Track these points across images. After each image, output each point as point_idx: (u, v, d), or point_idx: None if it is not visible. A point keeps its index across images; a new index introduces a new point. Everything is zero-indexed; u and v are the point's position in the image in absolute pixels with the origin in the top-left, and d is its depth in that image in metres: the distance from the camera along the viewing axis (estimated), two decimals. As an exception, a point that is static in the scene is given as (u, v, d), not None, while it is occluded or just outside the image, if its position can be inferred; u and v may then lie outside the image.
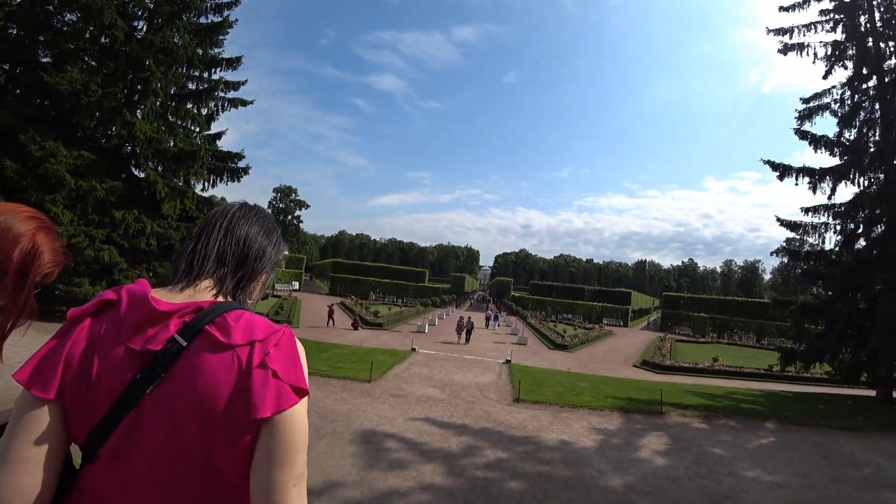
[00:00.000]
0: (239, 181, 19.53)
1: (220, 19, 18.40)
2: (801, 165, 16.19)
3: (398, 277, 56.94)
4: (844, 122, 15.74)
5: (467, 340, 24.60)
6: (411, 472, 5.85)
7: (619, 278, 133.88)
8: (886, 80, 14.85)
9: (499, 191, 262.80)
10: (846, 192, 25.51)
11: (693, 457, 7.47)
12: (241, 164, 19.50)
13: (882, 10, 15.11)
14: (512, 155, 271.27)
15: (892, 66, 14.92)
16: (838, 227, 16.00)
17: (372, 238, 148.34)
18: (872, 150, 15.03)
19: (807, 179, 16.10)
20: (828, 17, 15.97)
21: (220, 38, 18.52)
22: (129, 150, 17.11)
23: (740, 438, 8.86)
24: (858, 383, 15.42)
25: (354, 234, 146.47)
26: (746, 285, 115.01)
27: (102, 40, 15.98)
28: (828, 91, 16.16)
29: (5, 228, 0.92)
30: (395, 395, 10.02)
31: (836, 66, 16.04)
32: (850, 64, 15.83)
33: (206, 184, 18.71)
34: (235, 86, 19.02)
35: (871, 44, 15.16)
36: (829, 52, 16.03)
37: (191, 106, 18.33)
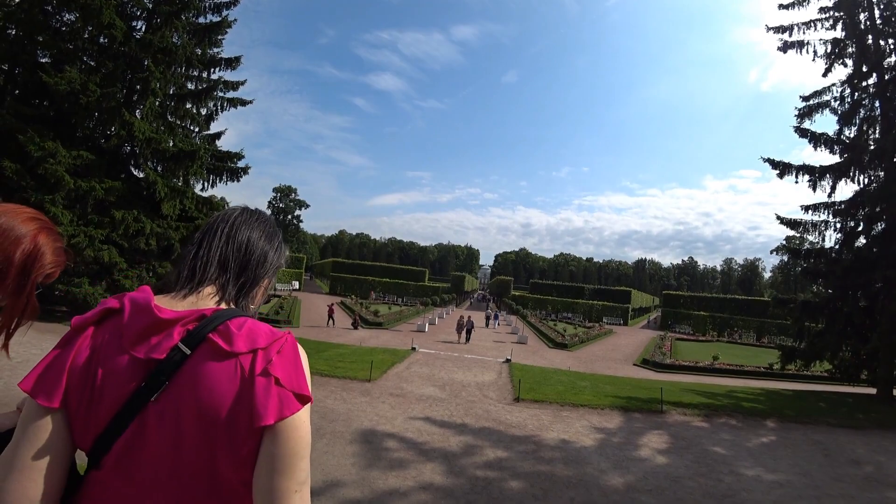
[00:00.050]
0: (238, 181, 19.53)
1: (218, 19, 18.37)
2: (801, 163, 16.18)
3: (398, 277, 56.93)
4: (844, 119, 15.72)
5: (467, 340, 24.60)
6: (411, 472, 5.84)
7: (619, 277, 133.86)
8: (886, 77, 14.82)
9: (498, 190, 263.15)
10: (846, 189, 25.49)
11: (694, 455, 7.46)
12: (241, 163, 19.51)
13: (882, 7, 15.08)
14: (511, 154, 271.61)
15: (892, 63, 14.90)
16: (838, 225, 15.99)
17: (372, 237, 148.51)
18: (872, 147, 15.01)
19: (807, 177, 16.09)
20: (827, 15, 15.95)
21: (219, 37, 18.49)
22: (128, 150, 17.09)
23: (741, 437, 8.85)
24: (859, 381, 15.42)
25: (354, 233, 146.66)
26: (746, 284, 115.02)
27: (101, 40, 15.95)
28: (828, 89, 16.15)
29: (7, 230, 0.93)
30: (395, 394, 10.01)
31: (835, 64, 16.02)
32: (849, 61, 15.82)
33: (206, 184, 18.71)
34: (234, 86, 19.00)
35: (870, 41, 15.13)
36: (828, 50, 16.01)
37: (190, 106, 18.30)
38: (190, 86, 18.42)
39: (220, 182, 19.12)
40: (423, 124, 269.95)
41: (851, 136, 15.72)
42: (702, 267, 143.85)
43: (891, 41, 14.92)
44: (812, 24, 16.11)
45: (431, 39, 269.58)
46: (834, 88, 16.03)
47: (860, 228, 15.66)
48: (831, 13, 15.88)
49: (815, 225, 16.24)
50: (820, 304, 15.90)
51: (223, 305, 0.89)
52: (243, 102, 19.31)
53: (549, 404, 10.12)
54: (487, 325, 35.37)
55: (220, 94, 18.77)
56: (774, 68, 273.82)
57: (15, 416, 1.03)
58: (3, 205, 0.97)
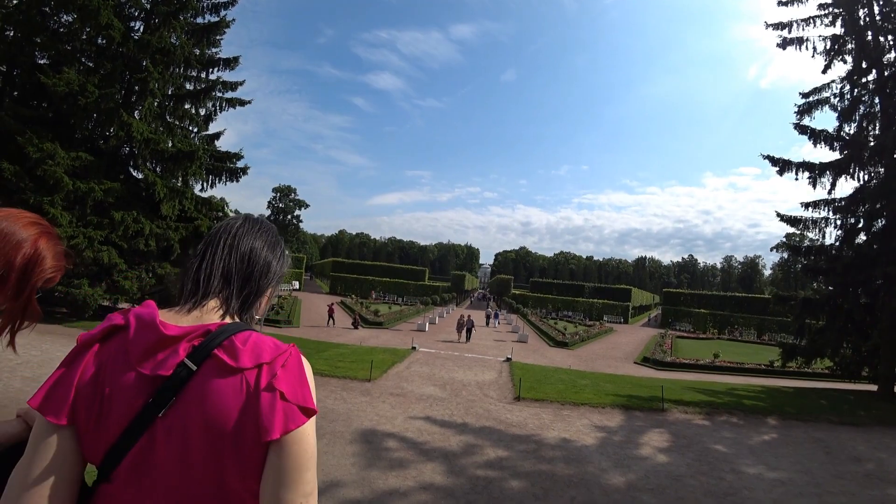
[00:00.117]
0: (238, 181, 19.53)
1: (217, 19, 18.36)
2: (801, 160, 16.15)
3: (398, 276, 56.93)
4: (844, 116, 15.69)
5: (468, 339, 24.60)
6: (411, 472, 5.83)
7: (620, 275, 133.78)
8: (886, 73, 14.79)
9: (498, 188, 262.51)
10: (846, 186, 25.38)
11: (695, 454, 7.45)
12: (240, 164, 19.50)
13: (881, 3, 15.03)
14: (511, 153, 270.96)
15: (892, 59, 14.87)
16: (839, 222, 15.95)
17: (372, 237, 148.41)
18: (872, 144, 14.98)
19: (807, 174, 16.06)
20: (827, 12, 15.91)
21: (218, 38, 18.48)
22: (127, 151, 17.08)
23: (742, 435, 8.84)
24: (860, 378, 15.40)
25: (354, 233, 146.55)
26: (747, 281, 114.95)
27: (99, 41, 15.96)
28: (827, 85, 16.11)
29: (8, 234, 0.94)
30: (396, 394, 10.00)
31: (835, 61, 15.98)
32: (849, 58, 15.77)
33: (205, 184, 18.71)
34: (233, 86, 18.98)
35: (870, 38, 15.09)
36: (828, 47, 15.97)
37: (188, 106, 18.29)
38: (188, 86, 18.41)
39: (219, 182, 19.11)
40: (423, 123, 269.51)
41: (851, 132, 15.69)
42: (702, 265, 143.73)
43: (890, 37, 14.88)
44: (811, 21, 16.07)
45: (430, 38, 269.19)
46: (833, 85, 16.00)
47: (860, 225, 15.64)
48: (830, 9, 15.84)
49: (815, 222, 16.21)
50: (820, 301, 15.88)
51: (227, 319, 0.90)
52: (242, 102, 19.29)
53: (550, 403, 10.10)
54: (488, 324, 35.38)
55: (219, 94, 18.76)
56: (773, 65, 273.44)
57: (16, 423, 1.03)
58: (3, 210, 0.97)
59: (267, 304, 1.02)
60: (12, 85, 16.66)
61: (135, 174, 17.35)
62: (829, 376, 18.03)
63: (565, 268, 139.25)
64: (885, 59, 14.85)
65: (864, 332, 14.71)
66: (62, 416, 0.77)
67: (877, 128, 15.28)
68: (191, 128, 18.69)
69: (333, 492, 5.04)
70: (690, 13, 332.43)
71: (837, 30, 15.81)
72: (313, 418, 0.81)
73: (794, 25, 16.24)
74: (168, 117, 17.79)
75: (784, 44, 16.47)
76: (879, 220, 15.02)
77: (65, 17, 16.32)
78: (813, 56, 16.22)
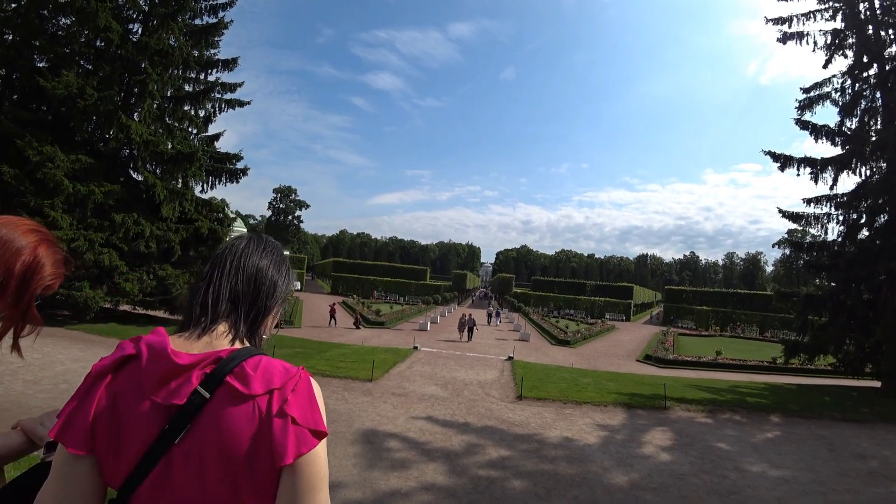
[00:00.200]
0: (237, 182, 19.53)
1: (215, 20, 18.32)
2: (803, 156, 16.10)
3: (399, 276, 56.91)
4: (845, 111, 15.61)
5: (469, 338, 24.58)
6: (413, 472, 5.81)
7: (621, 273, 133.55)
8: (887, 67, 14.70)
9: (498, 187, 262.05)
10: (848, 181, 25.37)
11: (698, 452, 7.41)
12: (240, 165, 19.48)
13: (882, -3, 14.96)
14: (510, 151, 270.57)
15: (893, 53, 14.78)
16: (841, 218, 15.89)
17: (373, 237, 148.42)
18: (874, 138, 14.90)
19: (808, 170, 15.99)
20: (827, 6, 15.81)
21: (216, 39, 18.45)
22: (126, 154, 17.07)
23: (745, 432, 8.80)
24: (863, 375, 15.36)
25: (355, 233, 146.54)
26: (749, 278, 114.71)
27: (98, 44, 15.92)
28: (828, 80, 16.03)
29: (7, 242, 0.94)
30: (397, 393, 9.98)
31: (836, 55, 15.90)
32: (850, 52, 15.69)
33: (205, 185, 18.71)
34: (232, 87, 18.96)
35: (871, 31, 15.01)
36: (828, 41, 15.89)
37: (188, 108, 18.26)
38: (187, 88, 18.38)
39: (219, 184, 19.10)
40: (422, 123, 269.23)
41: (853, 127, 15.60)
42: (703, 261, 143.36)
43: (891, 31, 14.79)
44: (811, 15, 15.98)
45: (429, 38, 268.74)
46: (834, 80, 15.92)
47: (863, 221, 15.57)
48: (831, 4, 15.73)
49: (817, 218, 16.15)
50: (823, 298, 15.83)
51: (237, 344, 0.92)
52: (241, 103, 19.26)
53: (552, 402, 10.08)
54: (489, 322, 35.39)
55: (218, 95, 18.73)
56: (773, 61, 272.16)
57: (14, 436, 1.03)
58: (2, 217, 0.98)
59: (274, 321, 1.03)
60: (11, 88, 16.66)
61: (135, 176, 17.35)
62: (832, 373, 17.98)
63: (567, 266, 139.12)
64: (886, 54, 14.76)
65: (867, 329, 14.65)
66: (82, 446, 0.81)
67: (878, 122, 15.19)
68: (190, 129, 18.67)
69: (335, 493, 5.02)
70: (688, 9, 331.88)
71: (838, 24, 15.73)
72: (324, 440, 0.85)
73: (795, 20, 16.16)
74: (167, 119, 17.77)
75: (784, 38, 16.39)
76: (882, 216, 14.95)
77: (63, 19, 16.32)
78: (814, 51, 16.16)
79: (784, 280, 77.81)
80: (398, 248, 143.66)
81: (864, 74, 15.36)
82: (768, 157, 16.54)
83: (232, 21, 18.48)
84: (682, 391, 11.79)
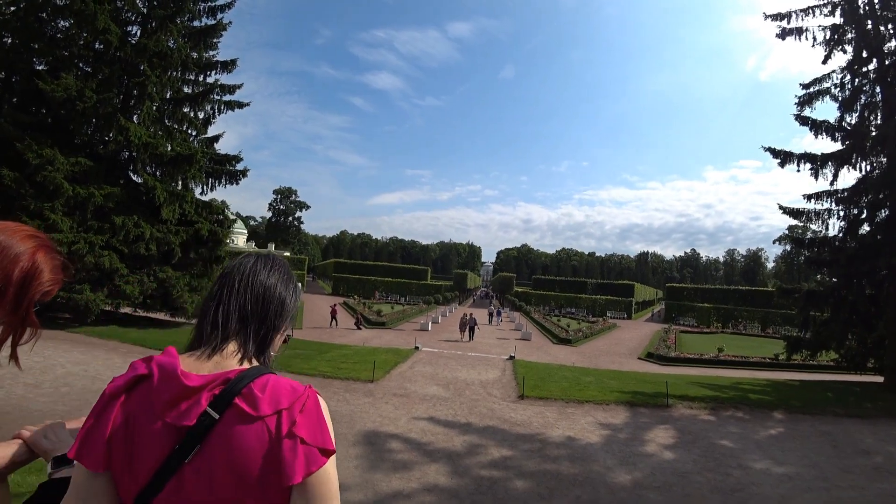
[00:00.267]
0: (237, 184, 19.54)
1: (213, 22, 18.34)
2: (803, 152, 16.07)
3: (400, 276, 56.88)
4: (845, 106, 15.58)
5: (471, 337, 24.56)
6: (415, 473, 5.79)
7: (622, 271, 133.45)
8: (887, 62, 14.67)
9: (498, 186, 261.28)
10: (848, 177, 25.16)
11: (701, 450, 7.39)
12: (240, 166, 19.51)
13: (881, -9, 14.92)
14: (510, 150, 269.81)
15: (893, 48, 14.75)
16: (841, 213, 15.87)
17: (373, 237, 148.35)
18: (874, 133, 14.87)
19: (808, 165, 15.96)
20: (826, 1, 15.78)
21: (215, 40, 18.46)
22: (126, 156, 17.07)
23: (748, 429, 8.78)
24: (866, 370, 15.32)
25: (356, 233, 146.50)
26: (750, 274, 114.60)
27: (97, 46, 15.93)
28: (828, 76, 16.01)
29: (5, 248, 0.94)
30: (399, 394, 9.96)
31: (835, 51, 15.86)
32: (849, 48, 15.66)
33: (205, 187, 18.73)
34: (231, 89, 18.97)
35: (870, 26, 14.98)
36: (827, 36, 15.85)
37: (187, 110, 18.27)
38: (186, 89, 18.39)
39: (219, 185, 19.13)
40: (422, 122, 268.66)
41: (853, 122, 15.58)
42: (704, 258, 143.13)
43: (890, 26, 14.76)
44: (810, 11, 15.95)
45: (427, 37, 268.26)
46: (834, 75, 15.90)
47: (863, 216, 15.54)
48: (830, -1, 15.72)
49: (817, 213, 16.12)
50: (825, 293, 15.80)
51: (245, 363, 0.94)
52: (240, 105, 19.27)
53: (554, 401, 10.06)
54: (490, 321, 35.38)
55: (217, 97, 18.75)
56: (772, 57, 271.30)
57: (16, 446, 1.03)
58: (0, 223, 0.98)
59: (281, 337, 1.05)
60: (11, 91, 16.66)
61: (134, 178, 17.34)
62: (835, 368, 17.95)
63: (567, 264, 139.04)
64: (885, 48, 14.74)
65: (869, 324, 14.62)
66: (99, 464, 0.84)
67: (878, 117, 15.17)
68: (189, 131, 18.67)
69: (337, 495, 5.00)
70: (686, 6, 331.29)
71: (837, 19, 15.70)
72: (333, 457, 0.87)
73: (794, 16, 16.14)
74: (167, 121, 17.78)
75: (783, 34, 16.36)
76: (883, 211, 14.92)
77: (62, 22, 16.32)
78: (813, 46, 16.13)
79: (785, 276, 77.77)
80: (399, 249, 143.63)
81: (864, 69, 15.33)
82: (768, 153, 16.53)
83: (230, 22, 18.52)
84: (684, 389, 11.76)
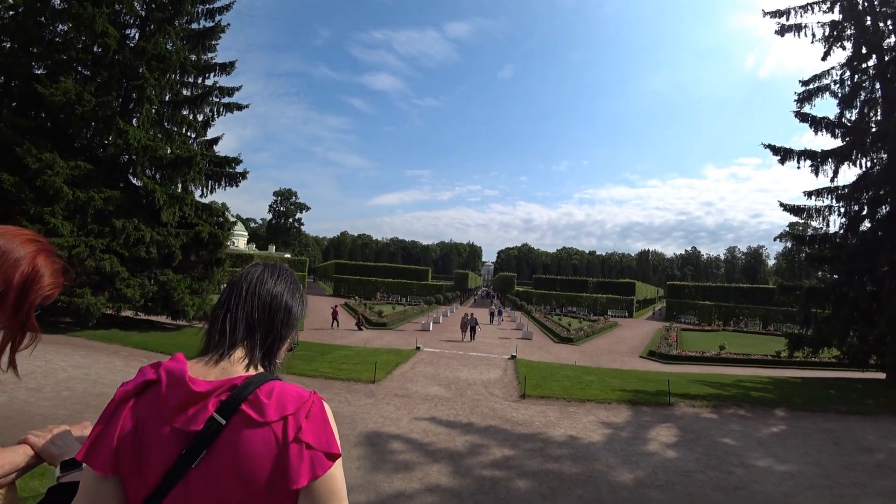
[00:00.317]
0: (237, 186, 19.54)
1: (211, 24, 18.35)
2: (803, 148, 16.06)
3: (401, 276, 56.91)
4: (845, 102, 15.56)
5: (472, 337, 24.55)
6: (417, 474, 5.79)
7: (623, 269, 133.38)
8: (886, 58, 14.66)
9: (498, 186, 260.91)
10: (849, 173, 25.25)
11: (703, 448, 7.38)
12: (239, 168, 19.51)
13: (880, -13, 14.89)
14: (510, 149, 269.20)
15: (892, 44, 14.73)
16: (842, 210, 15.84)
17: (374, 238, 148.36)
18: (874, 130, 14.85)
19: (809, 162, 15.95)
20: (825, -2, 15.76)
21: (213, 42, 18.47)
22: (126, 159, 17.09)
23: (750, 427, 8.77)
24: (868, 367, 15.29)
25: (356, 234, 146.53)
26: (751, 272, 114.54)
27: (95, 49, 15.93)
28: (827, 72, 15.98)
29: (5, 252, 0.94)
30: (400, 395, 9.96)
31: (834, 47, 15.84)
32: (848, 44, 15.63)
33: (205, 190, 18.74)
34: (230, 91, 18.98)
35: (869, 22, 14.95)
36: (827, 33, 15.83)
37: (186, 112, 18.27)
38: (185, 92, 18.41)
39: (219, 187, 19.15)
40: (421, 122, 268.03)
41: (853, 119, 15.56)
42: (705, 256, 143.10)
43: (889, 22, 14.74)
44: (809, 7, 15.92)
45: (426, 37, 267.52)
46: (833, 72, 15.87)
47: (864, 212, 15.52)
48: (828, -5, 15.69)
49: (818, 210, 16.10)
50: (826, 290, 15.78)
51: (251, 370, 0.96)
52: (239, 107, 19.28)
53: (556, 400, 10.05)
54: (492, 321, 35.36)
55: (216, 99, 18.75)
56: (771, 54, 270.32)
57: (21, 451, 1.04)
58: (1, 227, 0.98)
59: (287, 346, 1.07)
60: (10, 96, 16.68)
61: (134, 182, 17.35)
62: (837, 365, 17.93)
63: (568, 263, 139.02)
64: (884, 44, 14.72)
65: (870, 320, 14.59)
66: (107, 468, 0.85)
67: (878, 113, 15.15)
68: (189, 134, 18.68)
69: (339, 496, 5.00)
70: (684, 4, 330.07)
71: (836, 15, 15.68)
72: (339, 460, 0.88)
73: (793, 12, 16.11)
74: (166, 124, 17.79)
75: (782, 31, 16.34)
76: (884, 207, 14.90)
77: (60, 26, 16.33)
78: (812, 42, 16.11)
79: (786, 273, 77.70)
80: (399, 249, 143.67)
81: (864, 66, 15.31)
82: (768, 150, 16.52)
83: (229, 25, 18.53)
84: (686, 387, 11.75)
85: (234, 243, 53.44)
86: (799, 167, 16.20)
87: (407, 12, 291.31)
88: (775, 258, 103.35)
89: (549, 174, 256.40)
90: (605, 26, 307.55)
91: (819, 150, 15.81)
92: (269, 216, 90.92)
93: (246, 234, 77.16)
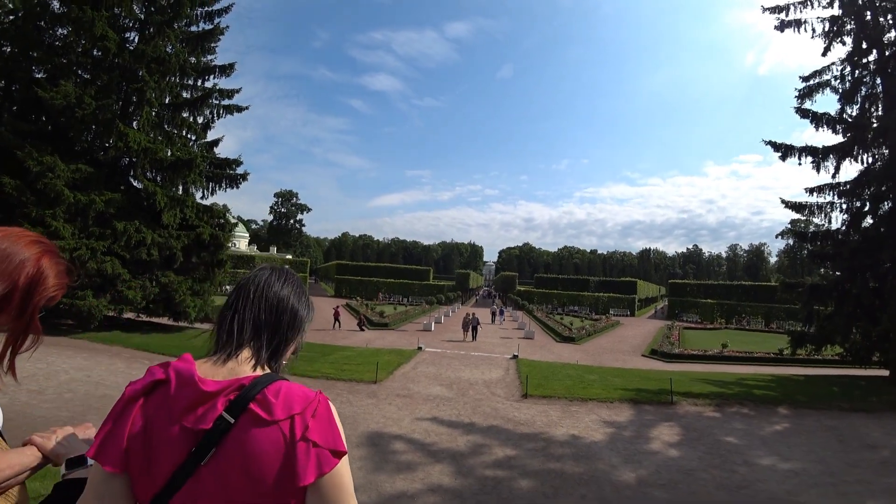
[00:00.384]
0: (238, 187, 19.54)
1: (211, 27, 18.37)
2: (804, 145, 16.00)
3: (403, 277, 56.93)
4: (846, 98, 15.50)
5: (474, 337, 24.53)
6: (419, 474, 5.78)
7: (624, 268, 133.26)
8: (887, 53, 14.59)
9: (499, 185, 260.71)
10: (850, 169, 25.02)
11: (706, 447, 7.36)
12: (240, 170, 19.48)
13: (879, -18, 14.83)
14: (510, 149, 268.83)
15: (892, 39, 14.67)
16: (844, 206, 15.79)
17: (375, 238, 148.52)
18: (876, 125, 14.80)
19: (810, 159, 15.89)
20: (824, -7, 15.70)
21: (213, 45, 18.51)
22: (126, 162, 17.11)
23: (753, 425, 8.74)
24: (871, 364, 15.24)
25: (357, 235, 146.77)
26: (753, 269, 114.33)
27: (95, 53, 15.95)
28: (827, 68, 15.92)
29: (10, 254, 0.95)
30: (402, 395, 9.95)
31: (834, 42, 15.77)
32: (848, 39, 15.57)
33: (206, 191, 18.75)
34: (230, 93, 18.98)
35: (869, 17, 14.89)
36: (826, 28, 15.77)
37: (186, 114, 18.29)
38: (185, 94, 18.44)
39: (219, 189, 19.14)
40: (421, 123, 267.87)
41: (854, 114, 15.49)
42: (707, 254, 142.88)
43: (889, 17, 14.68)
44: (809, 3, 15.86)
45: (425, 38, 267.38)
46: (834, 67, 15.81)
47: (866, 209, 15.45)
48: (828, -10, 15.63)
49: (820, 207, 16.04)
50: (828, 287, 15.73)
51: (258, 370, 0.98)
52: (239, 109, 19.30)
53: (558, 399, 10.03)
54: (493, 321, 35.33)
55: (216, 101, 18.76)
56: (770, 51, 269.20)
57: (28, 453, 1.04)
58: (4, 229, 0.99)
59: (293, 348, 1.09)
60: (11, 100, 16.73)
61: (135, 184, 17.37)
62: (840, 363, 17.85)
63: (569, 262, 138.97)
64: (885, 39, 14.66)
65: (873, 317, 14.54)
66: (117, 465, 0.87)
67: (879, 109, 15.08)
68: (189, 136, 18.69)
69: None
70: (682, 2, 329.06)
71: (835, 11, 15.61)
72: (346, 457, 0.90)
73: (792, 8, 16.05)
74: (166, 126, 17.81)
75: (782, 26, 16.28)
76: (886, 203, 14.85)
77: (60, 30, 16.37)
78: (812, 38, 16.05)
79: (788, 271, 77.51)
80: (401, 249, 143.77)
81: (864, 61, 15.25)
82: (769, 147, 16.48)
83: (228, 27, 18.57)
84: (688, 385, 11.72)
85: (235, 245, 53.52)
86: (800, 164, 16.15)
87: (406, 13, 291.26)
88: (777, 255, 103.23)
89: (550, 173, 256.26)
90: (604, 25, 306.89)
91: (820, 147, 15.76)
92: (271, 217, 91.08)
93: (247, 235, 77.28)
